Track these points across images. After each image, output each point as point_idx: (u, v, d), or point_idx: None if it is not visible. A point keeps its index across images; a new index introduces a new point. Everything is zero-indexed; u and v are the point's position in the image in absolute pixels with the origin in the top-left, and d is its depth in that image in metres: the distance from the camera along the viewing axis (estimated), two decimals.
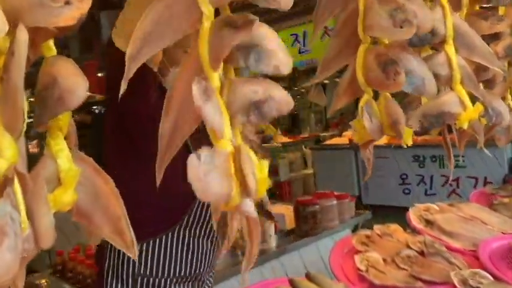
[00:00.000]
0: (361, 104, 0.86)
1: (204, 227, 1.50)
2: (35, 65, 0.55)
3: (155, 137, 0.60)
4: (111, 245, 1.59)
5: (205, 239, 1.52)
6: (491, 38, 1.06)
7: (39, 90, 0.54)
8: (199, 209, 1.46)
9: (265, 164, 0.57)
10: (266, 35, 0.58)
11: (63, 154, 0.58)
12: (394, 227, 1.54)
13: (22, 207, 0.51)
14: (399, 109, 0.87)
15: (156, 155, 0.61)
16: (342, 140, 6.26)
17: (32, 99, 0.55)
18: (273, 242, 2.27)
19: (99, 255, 1.53)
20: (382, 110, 0.87)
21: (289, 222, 2.49)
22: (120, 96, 0.55)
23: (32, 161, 0.57)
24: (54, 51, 0.54)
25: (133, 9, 0.80)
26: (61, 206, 0.59)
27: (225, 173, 0.54)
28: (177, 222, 1.43)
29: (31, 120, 0.56)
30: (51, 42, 0.53)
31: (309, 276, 1.21)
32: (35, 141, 5.71)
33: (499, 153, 4.58)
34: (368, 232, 1.49)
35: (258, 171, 0.56)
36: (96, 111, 5.43)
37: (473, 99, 0.96)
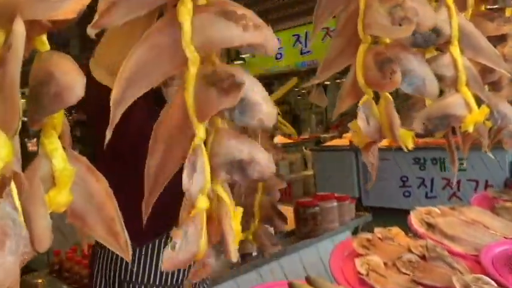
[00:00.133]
0: (359, 104, 0.84)
1: None
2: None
3: (143, 152, 0.61)
4: (101, 249, 1.57)
5: None
6: (498, 40, 1.04)
7: (33, 87, 0.52)
8: None
9: (240, 212, 0.60)
10: (251, 87, 0.59)
11: (57, 153, 0.56)
12: (396, 231, 1.52)
13: (19, 208, 0.49)
14: (394, 112, 0.85)
15: (143, 170, 0.62)
16: (343, 142, 6.25)
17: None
18: None
19: (91, 257, 1.54)
20: (383, 112, 0.85)
21: (289, 224, 2.47)
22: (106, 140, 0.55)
23: (32, 159, 0.56)
24: (47, 46, 0.52)
25: (112, 41, 0.78)
26: (56, 207, 0.57)
27: (197, 243, 0.58)
28: (163, 233, 1.42)
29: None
30: (44, 37, 0.51)
31: (309, 280, 1.19)
32: (34, 140, 5.69)
33: (501, 156, 4.56)
34: (369, 235, 1.48)
35: (233, 222, 0.60)
36: None
37: (478, 102, 0.94)
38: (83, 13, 0.51)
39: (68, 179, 0.57)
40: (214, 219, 0.60)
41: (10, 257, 0.44)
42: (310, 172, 6.58)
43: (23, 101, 0.52)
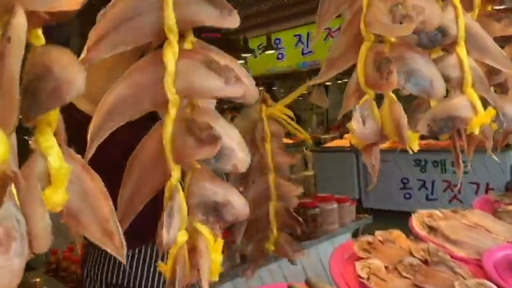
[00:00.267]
0: (358, 105, 0.82)
1: None
2: None
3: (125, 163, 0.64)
4: (91, 250, 1.56)
5: None
6: (504, 41, 1.02)
7: (28, 82, 0.50)
8: None
9: (220, 243, 0.63)
10: (227, 133, 0.62)
11: (53, 151, 0.54)
12: (397, 234, 1.50)
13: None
14: (403, 113, 0.83)
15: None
16: (343, 143, 6.24)
17: None
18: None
19: (83, 258, 1.54)
20: (387, 113, 0.83)
21: None
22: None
23: None
24: (42, 40, 0.50)
25: (93, 69, 0.77)
26: (52, 207, 0.55)
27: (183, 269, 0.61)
28: (149, 240, 1.41)
29: None
30: (40, 31, 0.49)
31: (309, 283, 1.17)
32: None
33: (502, 159, 4.55)
34: (370, 238, 1.46)
35: (213, 252, 0.62)
36: None
37: (483, 104, 0.92)
38: (84, 12, 0.50)
39: (64, 177, 0.55)
40: (195, 251, 0.63)
41: (16, 260, 0.43)
42: (310, 173, 6.56)
43: None
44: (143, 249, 1.43)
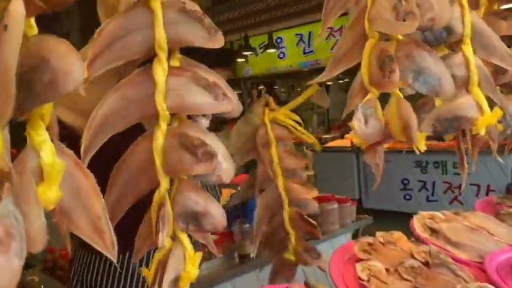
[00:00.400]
0: (361, 103, 0.80)
1: None
2: None
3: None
4: (78, 252, 1.58)
5: None
6: (511, 40, 1.00)
7: (22, 73, 0.48)
8: None
9: (199, 256, 0.66)
10: (212, 143, 0.63)
11: (46, 146, 0.52)
12: (398, 235, 1.48)
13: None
14: (412, 112, 0.81)
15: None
16: (344, 143, 6.22)
17: None
18: None
19: (72, 257, 1.56)
20: (394, 112, 0.81)
21: None
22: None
23: None
24: (35, 29, 0.48)
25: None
26: (45, 204, 0.53)
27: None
28: (131, 247, 1.42)
29: None
30: (33, 20, 0.47)
31: (308, 285, 1.15)
32: None
33: (503, 161, 4.53)
34: (370, 239, 1.44)
35: (190, 264, 0.65)
36: None
37: (489, 104, 0.91)
38: (84, 6, 0.48)
39: (57, 173, 0.53)
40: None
41: (16, 259, 0.42)
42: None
43: None
44: (126, 256, 1.44)
